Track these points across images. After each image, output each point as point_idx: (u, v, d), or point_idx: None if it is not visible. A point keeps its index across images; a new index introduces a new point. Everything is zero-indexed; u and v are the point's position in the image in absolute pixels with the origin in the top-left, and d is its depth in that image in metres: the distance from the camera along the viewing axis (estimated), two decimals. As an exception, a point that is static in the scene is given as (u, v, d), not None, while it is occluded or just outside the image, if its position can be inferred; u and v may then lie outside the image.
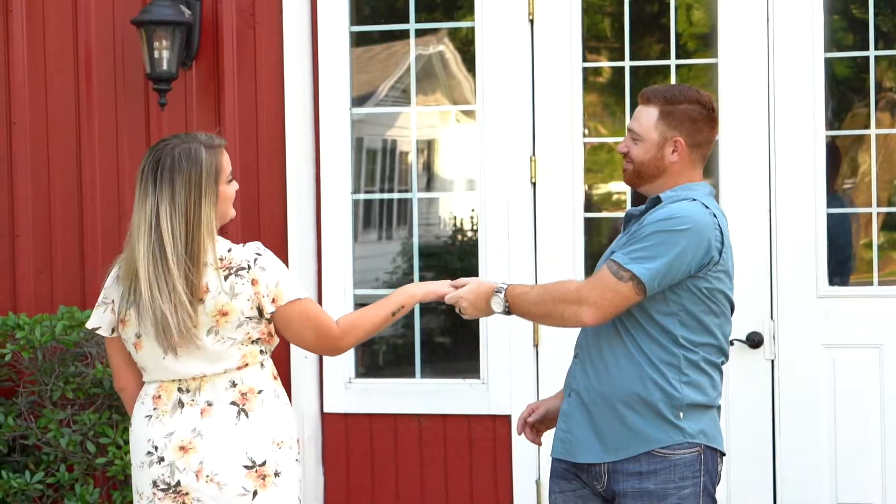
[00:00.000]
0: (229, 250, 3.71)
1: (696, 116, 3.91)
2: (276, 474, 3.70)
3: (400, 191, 6.48)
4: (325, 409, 6.06)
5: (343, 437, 6.05)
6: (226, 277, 3.66)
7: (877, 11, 5.77)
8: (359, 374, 6.10)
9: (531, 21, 5.91)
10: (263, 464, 3.68)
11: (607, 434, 3.84)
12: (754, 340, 5.72)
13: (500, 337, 5.82)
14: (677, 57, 5.92)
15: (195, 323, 3.64)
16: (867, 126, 5.82)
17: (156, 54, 5.84)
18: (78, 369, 5.54)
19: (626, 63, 5.95)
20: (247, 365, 3.72)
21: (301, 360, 5.98)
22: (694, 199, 3.85)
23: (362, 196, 6.22)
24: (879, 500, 5.72)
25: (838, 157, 5.97)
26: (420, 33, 6.15)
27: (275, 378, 3.80)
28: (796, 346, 5.74)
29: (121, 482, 5.56)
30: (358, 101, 6.21)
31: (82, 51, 6.09)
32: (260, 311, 3.70)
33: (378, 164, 6.53)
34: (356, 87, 6.18)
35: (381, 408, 6.03)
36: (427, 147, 6.49)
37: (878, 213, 5.84)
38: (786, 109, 5.74)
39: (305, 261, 6.01)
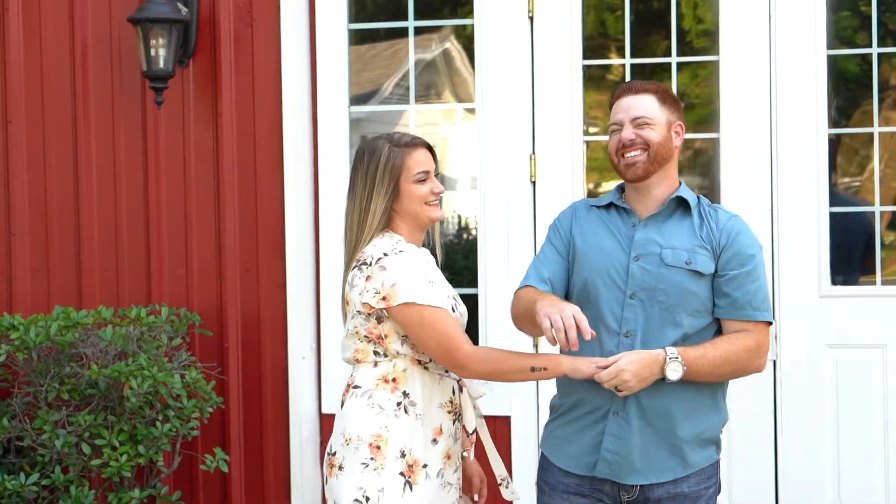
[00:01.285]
0: (374, 245, 3.78)
1: (680, 106, 3.91)
2: (340, 468, 3.74)
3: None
4: (324, 410, 6.01)
5: (341, 438, 5.99)
6: (353, 269, 3.79)
7: (881, 8, 5.71)
8: (357, 375, 6.04)
9: (531, 18, 5.86)
10: (334, 454, 3.77)
11: (655, 456, 3.74)
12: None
13: (499, 337, 5.76)
14: (680, 54, 5.86)
15: (343, 310, 3.89)
16: (871, 124, 5.76)
17: (152, 52, 5.80)
18: (73, 370, 5.49)
19: (627, 61, 5.90)
20: (359, 361, 3.81)
21: (299, 360, 5.93)
22: (731, 211, 3.87)
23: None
24: (882, 500, 5.67)
25: (842, 156, 5.91)
26: (425, 31, 6.11)
27: (386, 382, 3.77)
28: (799, 346, 5.69)
29: (116, 484, 5.51)
30: (362, 98, 6.17)
31: (79, 48, 6.04)
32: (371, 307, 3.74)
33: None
34: (360, 84, 6.14)
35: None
36: (450, 144, 6.43)
37: (882, 212, 5.78)
38: (788, 107, 5.69)
39: (303, 261, 5.96)
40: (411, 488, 3.71)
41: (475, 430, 3.90)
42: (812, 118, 5.69)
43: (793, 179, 5.69)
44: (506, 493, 3.96)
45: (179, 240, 5.98)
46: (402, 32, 6.10)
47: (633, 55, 5.88)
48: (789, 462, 5.70)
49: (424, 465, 3.74)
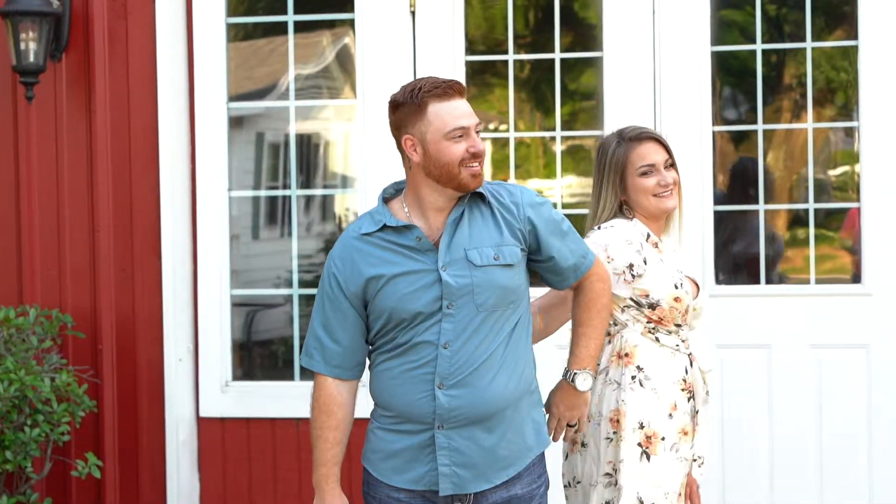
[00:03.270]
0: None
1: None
2: (583, 444, 3.93)
3: (286, 187, 6.23)
4: (201, 414, 5.88)
5: (219, 443, 5.88)
6: None
7: (765, 5, 5.66)
8: (236, 378, 5.93)
9: (413, 13, 5.77)
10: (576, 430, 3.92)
11: (492, 458, 3.63)
12: (639, 341, 5.58)
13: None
14: (563, 50, 5.79)
15: None
16: (755, 121, 5.71)
17: (22, 46, 5.64)
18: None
19: (511, 57, 5.82)
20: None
21: (176, 362, 5.81)
22: (511, 184, 3.79)
23: (242, 193, 6.02)
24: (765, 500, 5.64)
25: (728, 153, 5.86)
26: (320, 27, 6.00)
27: (619, 358, 3.91)
28: (683, 345, 5.62)
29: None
30: (259, 94, 6.07)
31: (-54, 42, 5.88)
32: None
33: (280, 159, 6.34)
34: (256, 80, 6.03)
35: (258, 412, 5.86)
36: (325, 143, 6.29)
37: (766, 211, 5.73)
38: (672, 104, 5.64)
39: (180, 260, 5.84)
40: (648, 459, 3.84)
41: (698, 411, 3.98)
42: (697, 115, 5.63)
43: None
44: (695, 472, 4.01)
45: (52, 239, 5.82)
46: (300, 27, 5.97)
47: (519, 51, 5.81)
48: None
49: (662, 438, 3.85)
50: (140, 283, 5.82)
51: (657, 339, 3.90)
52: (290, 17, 5.92)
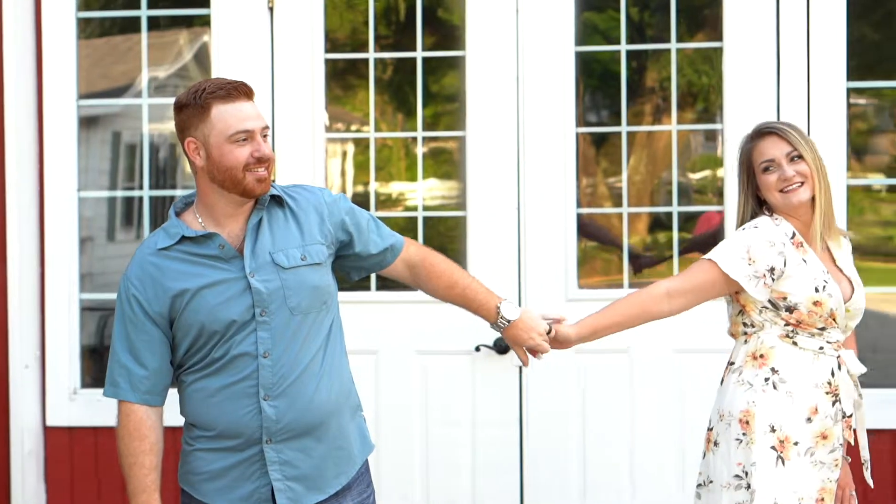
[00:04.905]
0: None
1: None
2: (716, 444, 3.92)
3: (142, 187, 6.04)
4: (48, 423, 5.67)
5: (67, 453, 5.68)
6: None
7: (629, 7, 5.60)
8: (85, 385, 5.74)
9: (271, 9, 5.63)
10: (711, 429, 3.96)
11: (323, 467, 3.57)
12: (502, 346, 5.50)
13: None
14: (426, 49, 5.68)
15: None
16: (619, 124, 5.65)
17: None
18: None
19: (371, 55, 5.70)
20: (734, 335, 4.04)
21: (21, 370, 5.61)
22: (306, 185, 3.77)
23: (92, 193, 5.84)
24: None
25: (593, 156, 5.80)
26: (185, 24, 5.87)
27: (754, 358, 3.89)
28: (546, 351, 5.54)
29: None
30: (115, 93, 5.90)
31: None
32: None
33: (136, 160, 6.15)
34: (112, 78, 5.86)
35: (108, 420, 5.64)
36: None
37: (629, 214, 5.66)
38: (535, 105, 5.55)
39: (27, 264, 5.64)
40: (783, 463, 3.80)
41: (851, 415, 3.91)
42: (560, 116, 5.56)
43: (540, 180, 5.55)
44: (867, 475, 4.02)
45: None
46: (157, 25, 5.82)
47: (381, 51, 5.70)
48: (535, 468, 5.56)
49: (795, 443, 3.81)
50: (-17, 287, 5.62)
51: (795, 343, 3.87)
52: (144, 13, 5.75)
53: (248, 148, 3.42)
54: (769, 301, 3.88)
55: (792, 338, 3.88)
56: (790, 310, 3.87)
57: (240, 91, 3.45)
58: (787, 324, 3.88)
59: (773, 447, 3.81)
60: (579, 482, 5.56)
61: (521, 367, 5.52)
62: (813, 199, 3.92)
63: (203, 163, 3.45)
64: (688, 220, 5.72)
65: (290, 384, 3.45)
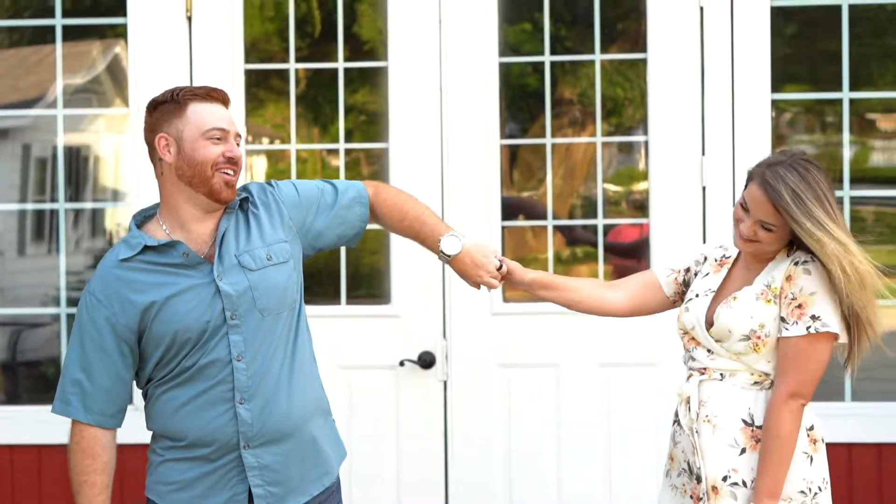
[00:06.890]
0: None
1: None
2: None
3: (54, 200, 5.89)
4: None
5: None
6: None
7: (553, 17, 5.57)
8: (-1, 402, 5.62)
9: (189, 19, 5.53)
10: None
11: (302, 470, 3.55)
12: (426, 361, 5.45)
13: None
14: (347, 60, 5.61)
15: None
16: (544, 135, 5.61)
17: None
18: None
19: (292, 66, 5.62)
20: None
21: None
22: (255, 182, 3.71)
23: (5, 206, 5.71)
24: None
25: (516, 167, 5.76)
26: (98, 34, 5.76)
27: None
28: (470, 365, 5.50)
29: None
30: (26, 104, 5.78)
31: None
32: None
33: (48, 172, 6.01)
34: (23, 90, 5.74)
35: (24, 438, 5.54)
36: (96, 156, 5.98)
37: (554, 227, 5.63)
38: (459, 116, 5.50)
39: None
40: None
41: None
42: (484, 128, 5.51)
43: (464, 192, 5.50)
44: None
45: None
46: (70, 35, 5.68)
47: (301, 61, 5.62)
48: (460, 484, 5.50)
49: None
50: None
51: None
52: (59, 21, 5.61)
53: (221, 147, 3.41)
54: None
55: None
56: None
57: (217, 95, 3.47)
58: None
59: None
60: (505, 496, 5.51)
61: (444, 382, 5.47)
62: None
63: (173, 159, 3.40)
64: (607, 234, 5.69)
65: (265, 386, 3.41)
